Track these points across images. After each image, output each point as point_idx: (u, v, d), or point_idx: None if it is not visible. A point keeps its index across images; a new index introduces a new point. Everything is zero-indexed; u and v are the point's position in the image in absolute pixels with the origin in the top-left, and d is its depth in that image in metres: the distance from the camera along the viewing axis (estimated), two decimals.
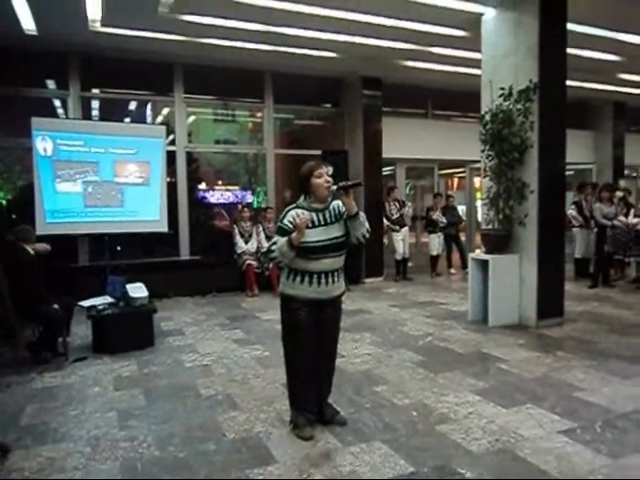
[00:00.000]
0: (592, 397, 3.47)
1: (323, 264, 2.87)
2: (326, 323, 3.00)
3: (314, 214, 2.87)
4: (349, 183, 2.88)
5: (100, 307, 4.87)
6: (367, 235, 2.97)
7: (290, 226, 2.82)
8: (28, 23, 5.92)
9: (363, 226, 2.92)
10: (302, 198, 2.95)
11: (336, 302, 3.05)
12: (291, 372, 3.06)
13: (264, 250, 2.97)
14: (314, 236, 2.83)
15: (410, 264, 8.97)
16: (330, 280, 2.91)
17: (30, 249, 4.63)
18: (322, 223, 2.88)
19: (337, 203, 2.95)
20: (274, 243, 2.87)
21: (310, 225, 2.82)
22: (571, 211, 8.10)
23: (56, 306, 4.51)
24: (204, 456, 2.78)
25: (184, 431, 3.09)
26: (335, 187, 2.86)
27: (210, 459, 2.74)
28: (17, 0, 5.31)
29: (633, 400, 3.40)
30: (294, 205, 2.95)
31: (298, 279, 2.89)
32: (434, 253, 9.02)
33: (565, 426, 3.03)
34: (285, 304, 2.98)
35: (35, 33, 6.19)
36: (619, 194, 8.18)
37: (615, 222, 7.48)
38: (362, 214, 2.91)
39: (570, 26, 5.44)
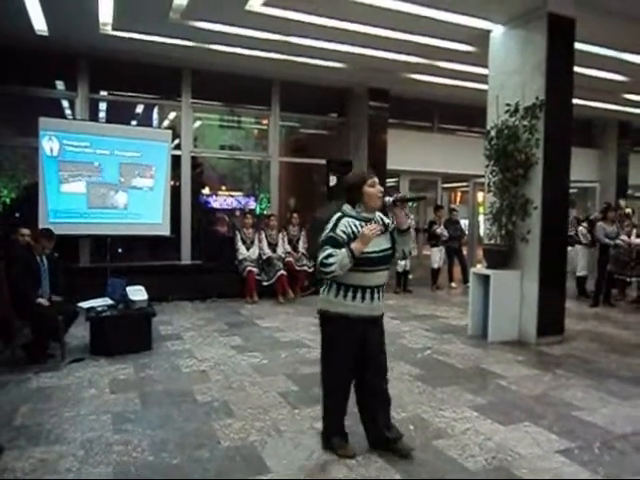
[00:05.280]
0: (591, 417, 3.44)
1: (376, 277, 2.73)
2: (374, 342, 2.82)
3: (363, 224, 2.70)
4: (408, 196, 2.76)
5: (99, 309, 4.87)
6: (414, 252, 2.91)
7: (344, 236, 2.64)
8: (40, 24, 5.97)
9: (411, 241, 2.84)
10: (348, 207, 2.78)
11: (381, 320, 2.88)
12: (329, 395, 2.88)
13: (317, 263, 2.66)
14: (368, 247, 2.65)
15: (411, 276, 8.94)
16: (379, 295, 2.77)
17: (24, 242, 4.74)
18: None
19: (379, 215, 2.83)
20: (330, 255, 2.60)
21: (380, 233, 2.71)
22: (582, 229, 8.02)
23: (42, 300, 4.52)
24: (198, 463, 2.76)
25: (179, 437, 3.07)
26: (392, 198, 2.74)
27: (204, 466, 2.72)
28: (30, 1, 5.37)
29: (632, 421, 3.37)
30: (340, 214, 2.77)
31: (350, 295, 2.69)
32: (435, 266, 8.99)
33: (563, 446, 3.01)
34: (331, 323, 2.77)
35: (46, 34, 6.24)
36: (628, 210, 8.15)
37: (618, 241, 7.47)
38: (412, 230, 2.84)
39: (577, 45, 5.48)
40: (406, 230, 2.77)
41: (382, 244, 2.75)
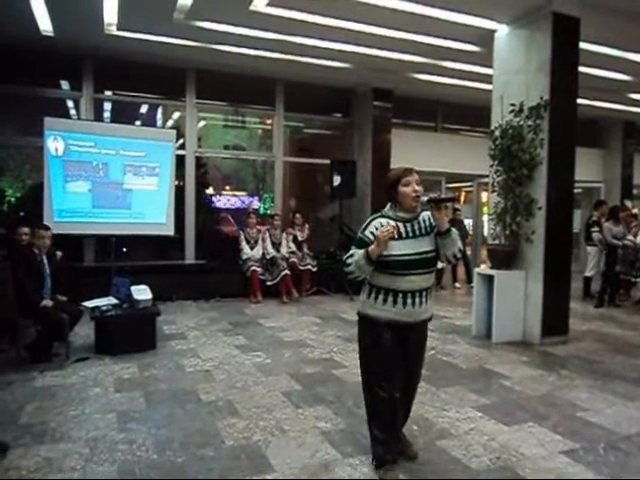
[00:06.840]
0: (595, 418, 3.43)
1: (409, 282, 2.54)
2: (409, 349, 2.67)
3: (401, 224, 2.57)
4: (441, 197, 2.57)
5: (104, 308, 4.89)
6: (459, 255, 2.63)
7: (371, 237, 2.52)
8: (45, 24, 6.01)
9: (455, 245, 2.59)
10: (388, 206, 2.66)
11: (422, 326, 2.70)
12: (370, 403, 2.72)
13: (342, 261, 2.59)
14: (400, 249, 2.52)
15: None
16: (417, 301, 2.57)
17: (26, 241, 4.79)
18: (410, 235, 2.57)
19: (427, 214, 2.65)
20: (351, 255, 2.56)
21: (396, 236, 2.49)
22: (596, 234, 7.81)
23: (46, 302, 4.53)
24: (202, 462, 2.76)
25: (183, 436, 3.07)
26: (425, 199, 2.57)
27: (208, 465, 2.73)
28: (35, 1, 5.39)
29: (637, 422, 3.36)
30: (379, 214, 2.66)
31: (381, 298, 2.58)
32: (439, 266, 8.98)
33: (567, 446, 3.00)
34: (365, 326, 2.68)
35: (51, 34, 6.28)
36: (635, 210, 8.10)
37: (626, 242, 7.43)
38: (454, 231, 2.60)
39: (582, 45, 5.46)
40: (445, 233, 2.55)
41: (420, 246, 2.57)
